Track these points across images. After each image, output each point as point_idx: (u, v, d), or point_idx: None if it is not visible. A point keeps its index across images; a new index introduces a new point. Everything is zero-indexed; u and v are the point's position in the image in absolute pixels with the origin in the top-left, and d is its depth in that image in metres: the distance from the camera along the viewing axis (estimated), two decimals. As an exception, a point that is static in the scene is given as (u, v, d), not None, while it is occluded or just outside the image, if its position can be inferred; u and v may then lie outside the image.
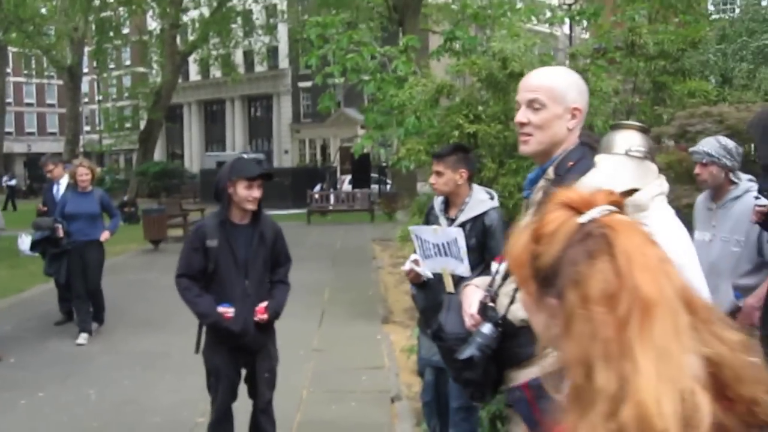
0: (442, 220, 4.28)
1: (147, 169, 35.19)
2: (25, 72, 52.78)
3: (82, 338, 8.34)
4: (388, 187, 26.43)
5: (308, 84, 42.35)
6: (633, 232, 1.18)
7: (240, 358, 4.59)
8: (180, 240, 17.16)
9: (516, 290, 2.32)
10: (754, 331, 3.96)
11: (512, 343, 2.28)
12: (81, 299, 8.57)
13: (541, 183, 2.43)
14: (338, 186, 30.92)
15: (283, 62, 49.97)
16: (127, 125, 42.64)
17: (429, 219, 4.50)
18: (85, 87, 46.47)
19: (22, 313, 10.01)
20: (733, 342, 1.09)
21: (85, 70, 43.23)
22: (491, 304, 2.42)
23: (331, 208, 23.69)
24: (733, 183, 3.96)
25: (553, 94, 2.40)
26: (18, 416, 6.03)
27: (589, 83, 8.22)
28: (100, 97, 52.03)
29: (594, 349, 1.11)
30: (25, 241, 9.52)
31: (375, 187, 29.96)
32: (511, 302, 2.35)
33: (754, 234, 3.85)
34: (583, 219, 1.22)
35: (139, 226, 17.00)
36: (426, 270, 4.21)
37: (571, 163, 2.37)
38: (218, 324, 4.41)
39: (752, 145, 3.37)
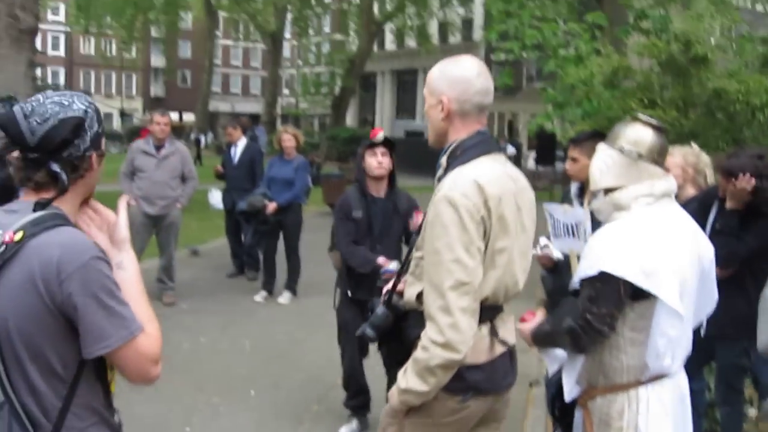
0: (576, 205, 4.19)
1: (338, 134, 36.27)
2: (233, 36, 55.44)
3: (260, 296, 8.63)
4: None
5: (501, 57, 41.77)
6: None
7: None
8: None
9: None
10: None
11: (404, 324, 2.63)
12: (269, 260, 8.76)
13: (439, 173, 2.54)
14: (522, 163, 30.41)
15: (477, 34, 49.69)
16: (323, 90, 44.08)
17: (565, 203, 4.42)
18: (286, 52, 48.52)
19: (201, 263, 10.75)
20: None
21: (287, 35, 45.17)
22: (394, 288, 2.71)
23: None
24: None
25: (430, 86, 2.56)
26: (180, 357, 6.52)
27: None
28: (300, 62, 54.14)
29: None
30: (214, 196, 10.04)
31: (560, 164, 29.19)
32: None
33: None
34: None
35: (320, 188, 17.50)
36: (556, 251, 4.17)
37: (459, 153, 2.48)
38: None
39: None
